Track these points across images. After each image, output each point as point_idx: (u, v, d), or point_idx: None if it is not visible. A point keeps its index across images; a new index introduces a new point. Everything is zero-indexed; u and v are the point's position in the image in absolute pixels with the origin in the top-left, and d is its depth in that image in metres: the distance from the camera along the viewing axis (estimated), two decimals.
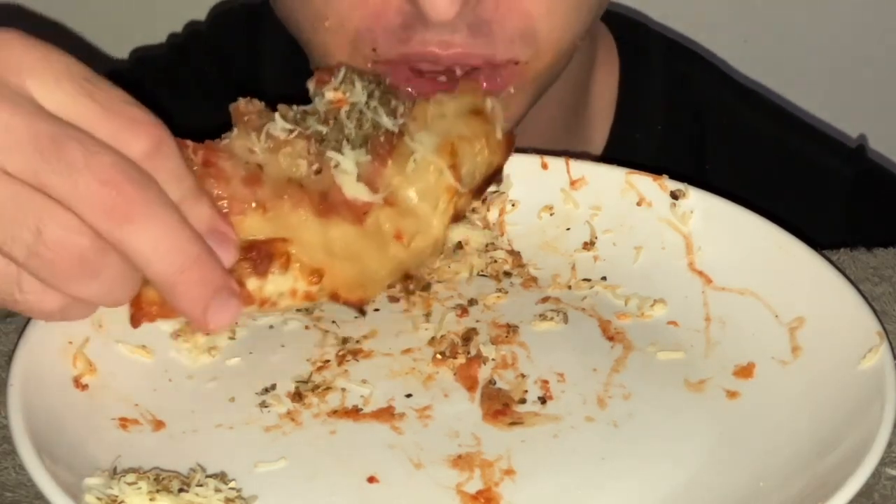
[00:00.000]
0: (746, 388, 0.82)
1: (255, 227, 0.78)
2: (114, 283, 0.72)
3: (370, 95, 0.84)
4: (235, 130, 0.80)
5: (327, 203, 0.80)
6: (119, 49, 1.51)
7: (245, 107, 0.81)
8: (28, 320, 0.81)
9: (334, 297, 0.81)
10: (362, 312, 0.85)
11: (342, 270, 0.80)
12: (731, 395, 0.82)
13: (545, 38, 0.97)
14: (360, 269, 0.81)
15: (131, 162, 0.70)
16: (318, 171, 0.80)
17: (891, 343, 0.79)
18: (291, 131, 0.80)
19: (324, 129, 0.82)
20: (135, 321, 0.77)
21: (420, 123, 0.86)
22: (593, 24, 1.07)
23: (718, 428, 0.79)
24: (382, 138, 0.83)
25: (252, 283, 0.78)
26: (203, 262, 0.73)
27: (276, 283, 0.79)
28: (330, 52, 0.98)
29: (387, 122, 0.83)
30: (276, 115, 0.81)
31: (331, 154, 0.81)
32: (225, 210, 0.77)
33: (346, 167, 0.81)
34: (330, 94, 0.84)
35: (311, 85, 0.86)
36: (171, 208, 0.72)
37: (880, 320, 0.81)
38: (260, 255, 0.78)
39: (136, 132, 0.71)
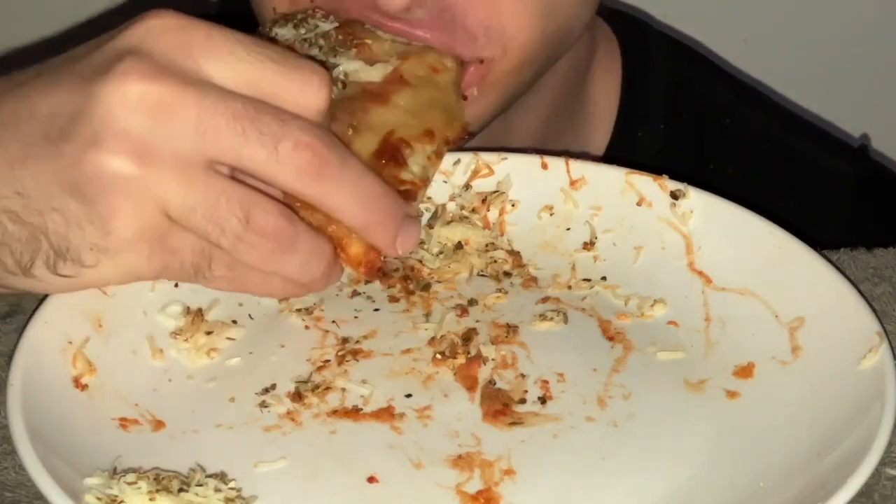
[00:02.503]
0: (746, 388, 0.82)
1: (365, 144, 0.85)
2: (309, 255, 0.80)
3: (295, 26, 0.93)
4: None
5: (376, 95, 0.88)
6: None
7: None
8: (28, 320, 0.81)
9: (448, 142, 0.90)
10: (472, 135, 0.94)
11: (435, 118, 0.89)
12: (731, 395, 0.82)
13: (512, 37, 0.96)
14: (442, 107, 0.90)
15: (316, 124, 0.77)
16: (344, 86, 0.89)
17: (891, 343, 0.79)
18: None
19: (313, 50, 0.91)
20: (371, 272, 0.84)
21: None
22: (579, 29, 1.06)
23: (718, 428, 0.79)
24: (339, 36, 0.92)
25: (406, 175, 0.86)
26: (386, 198, 0.81)
27: (416, 161, 0.87)
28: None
29: (323, 25, 0.93)
30: None
31: (335, 72, 0.89)
32: None
33: (351, 67, 0.90)
34: (284, 35, 0.93)
35: None
36: (353, 159, 0.79)
37: (880, 320, 0.81)
38: (389, 153, 0.86)
39: (317, 85, 0.77)
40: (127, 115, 0.73)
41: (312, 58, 0.88)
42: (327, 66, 0.88)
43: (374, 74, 0.90)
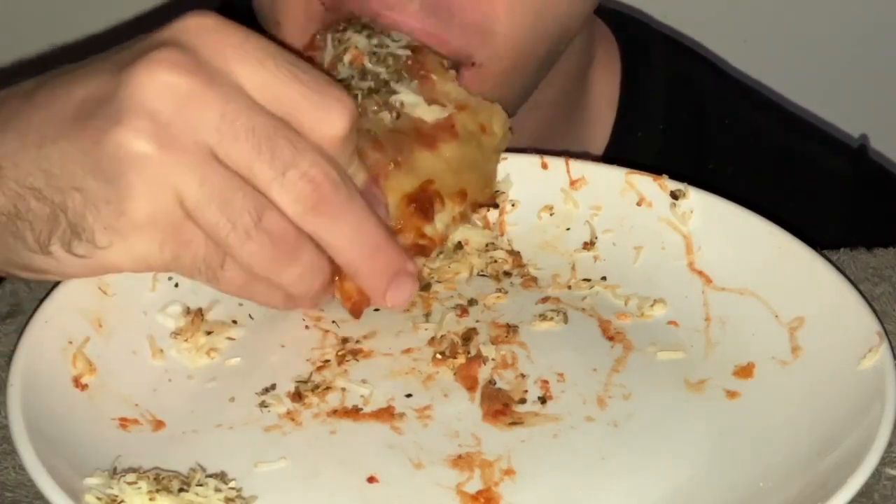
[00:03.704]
0: (746, 388, 0.82)
1: (402, 183, 0.85)
2: (307, 269, 0.80)
3: (368, 36, 0.91)
4: None
5: (426, 135, 0.87)
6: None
7: None
8: (28, 320, 0.81)
9: (475, 207, 0.89)
10: (495, 206, 0.93)
11: (471, 181, 0.88)
12: (731, 395, 0.82)
13: (504, 38, 0.96)
14: (480, 171, 0.89)
15: (328, 157, 0.78)
16: (398, 116, 0.87)
17: (891, 343, 0.79)
18: (357, 97, 0.87)
19: (370, 84, 0.88)
20: (356, 312, 0.85)
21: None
22: (574, 31, 1.06)
23: (718, 428, 0.79)
24: (410, 61, 0.90)
25: (429, 229, 0.86)
26: (385, 249, 0.82)
27: (442, 219, 0.87)
28: (289, 9, 0.99)
29: (395, 47, 0.91)
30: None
31: (393, 97, 0.88)
32: (376, 181, 0.84)
33: (411, 100, 0.88)
34: (348, 56, 0.90)
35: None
36: (358, 201, 0.80)
37: (880, 320, 0.81)
38: (421, 203, 0.86)
39: (339, 112, 0.77)
40: (153, 99, 0.74)
41: (377, 75, 0.89)
42: (389, 87, 0.88)
43: (428, 114, 0.88)
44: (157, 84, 0.75)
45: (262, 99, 0.76)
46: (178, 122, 0.75)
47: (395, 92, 0.88)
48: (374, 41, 0.91)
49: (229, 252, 0.78)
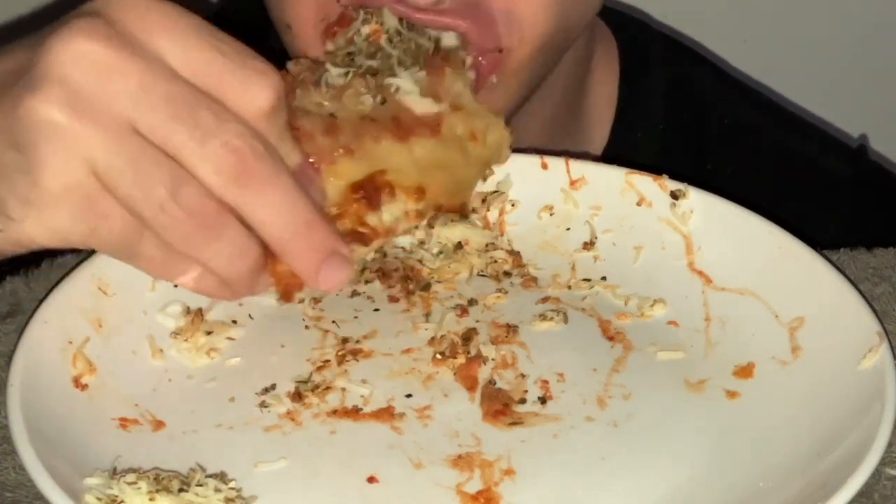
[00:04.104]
0: (746, 388, 0.82)
1: (350, 170, 0.82)
2: (232, 246, 0.77)
3: (399, 19, 0.90)
4: (298, 91, 0.84)
5: (402, 126, 0.84)
6: None
7: (295, 67, 0.87)
8: (28, 320, 0.81)
9: (438, 209, 0.86)
10: (464, 216, 0.90)
11: (438, 182, 0.85)
12: (731, 395, 0.82)
13: (529, 25, 0.97)
14: (453, 175, 0.86)
15: (254, 131, 0.75)
16: (384, 101, 0.85)
17: (891, 343, 0.79)
18: (346, 73, 0.86)
19: (374, 63, 0.87)
20: (286, 296, 0.81)
21: None
22: (585, 23, 1.06)
23: (718, 428, 0.79)
24: (431, 51, 0.88)
25: (372, 219, 0.83)
26: (315, 227, 0.78)
27: (391, 211, 0.84)
28: (299, 12, 0.98)
29: (424, 39, 0.89)
30: (327, 64, 0.87)
31: (389, 80, 0.85)
32: (316, 165, 0.81)
33: (407, 87, 0.86)
34: (366, 29, 0.89)
35: (328, 43, 0.92)
36: (286, 176, 0.76)
37: (880, 320, 0.81)
38: (367, 191, 0.83)
39: (262, 85, 0.75)
40: (68, 67, 0.73)
41: (388, 57, 0.88)
42: (392, 70, 0.87)
43: (419, 105, 0.86)
44: (74, 52, 0.73)
45: (185, 72, 0.74)
46: (93, 90, 0.73)
47: (395, 75, 0.87)
48: (405, 26, 0.90)
49: (146, 225, 0.75)
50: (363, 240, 0.83)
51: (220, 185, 0.74)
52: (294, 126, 0.81)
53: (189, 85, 0.74)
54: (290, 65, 0.88)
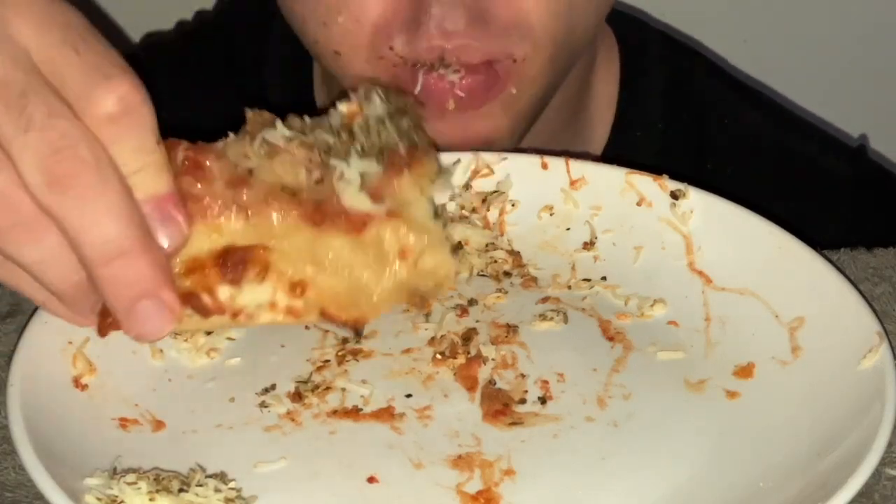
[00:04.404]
0: (746, 388, 0.82)
1: (236, 231, 0.73)
2: (53, 255, 0.69)
3: (397, 111, 0.79)
4: (230, 137, 0.76)
5: (321, 212, 0.74)
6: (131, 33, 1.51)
7: (252, 117, 0.77)
8: (28, 320, 0.81)
9: (325, 315, 0.76)
10: (357, 334, 0.78)
11: (331, 285, 0.75)
12: (731, 395, 0.82)
13: (541, 32, 0.98)
14: (353, 285, 0.75)
15: (89, 134, 0.68)
16: (319, 181, 0.75)
17: (891, 343, 0.79)
18: (291, 139, 0.76)
19: (331, 139, 0.77)
20: (100, 330, 0.75)
21: None
22: (595, 27, 1.07)
23: (718, 428, 0.79)
24: (404, 151, 0.76)
25: (224, 292, 0.74)
26: (136, 258, 0.69)
27: (253, 294, 0.75)
28: (345, 51, 0.99)
29: (414, 136, 0.78)
30: (277, 121, 0.77)
31: (335, 162, 0.75)
32: (194, 211, 0.73)
33: (350, 176, 0.75)
34: (344, 108, 0.79)
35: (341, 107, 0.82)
36: (114, 190, 0.68)
37: (880, 320, 0.81)
38: (234, 260, 0.73)
39: (107, 90, 0.68)
40: None
41: (353, 140, 0.77)
42: (347, 155, 0.75)
43: (351, 198, 0.75)
44: None
45: (38, 60, 0.69)
46: None
47: (346, 161, 0.75)
48: (393, 113, 0.79)
49: None
50: (200, 308, 0.74)
51: (37, 183, 0.67)
52: (197, 161, 0.73)
53: (34, 73, 0.68)
54: (248, 112, 0.77)
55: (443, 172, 0.78)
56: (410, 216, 0.76)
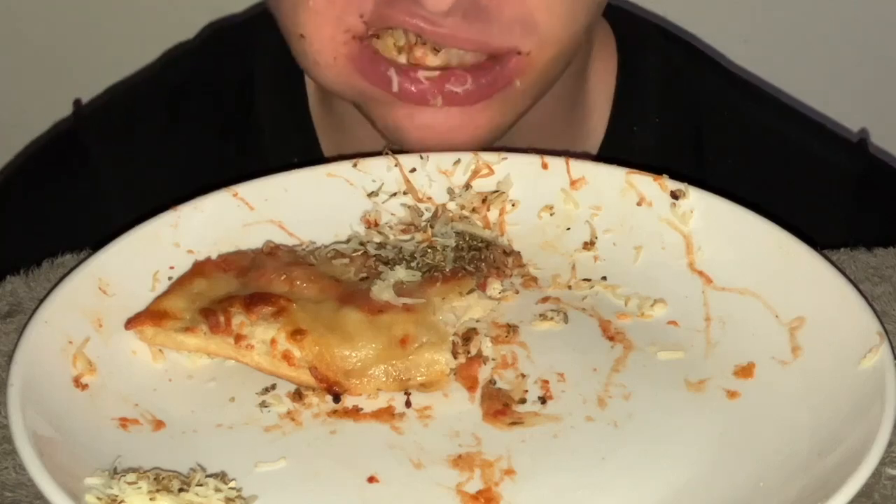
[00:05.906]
0: (746, 388, 0.82)
1: (275, 288, 0.84)
2: None
3: (468, 248, 0.90)
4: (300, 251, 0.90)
5: (351, 295, 0.83)
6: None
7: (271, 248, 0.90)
8: (28, 320, 0.81)
9: (312, 370, 0.80)
10: (335, 397, 0.81)
11: (329, 344, 0.80)
12: (732, 395, 0.82)
13: (547, 28, 0.97)
14: (349, 352, 0.80)
15: None
16: (364, 279, 0.86)
17: (891, 343, 0.79)
18: (356, 250, 0.89)
19: (392, 255, 0.89)
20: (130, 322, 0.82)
21: None
22: (594, 22, 1.07)
23: (718, 428, 0.79)
24: (448, 271, 0.87)
25: (238, 317, 0.82)
26: None
27: (261, 328, 0.81)
28: (318, 23, 0.98)
29: (466, 265, 0.88)
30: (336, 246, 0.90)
31: (382, 268, 0.86)
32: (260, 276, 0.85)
33: (389, 279, 0.85)
34: (419, 236, 0.91)
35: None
36: None
37: (880, 320, 0.81)
38: (260, 297, 0.82)
39: None
40: None
41: (397, 251, 0.89)
42: (395, 264, 0.87)
43: (382, 292, 0.84)
44: None
45: None
46: None
47: (393, 269, 0.86)
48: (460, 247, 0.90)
49: None
50: (213, 325, 0.82)
51: None
52: (273, 251, 0.88)
53: None
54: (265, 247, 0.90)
55: (474, 293, 0.87)
56: (425, 313, 0.83)
